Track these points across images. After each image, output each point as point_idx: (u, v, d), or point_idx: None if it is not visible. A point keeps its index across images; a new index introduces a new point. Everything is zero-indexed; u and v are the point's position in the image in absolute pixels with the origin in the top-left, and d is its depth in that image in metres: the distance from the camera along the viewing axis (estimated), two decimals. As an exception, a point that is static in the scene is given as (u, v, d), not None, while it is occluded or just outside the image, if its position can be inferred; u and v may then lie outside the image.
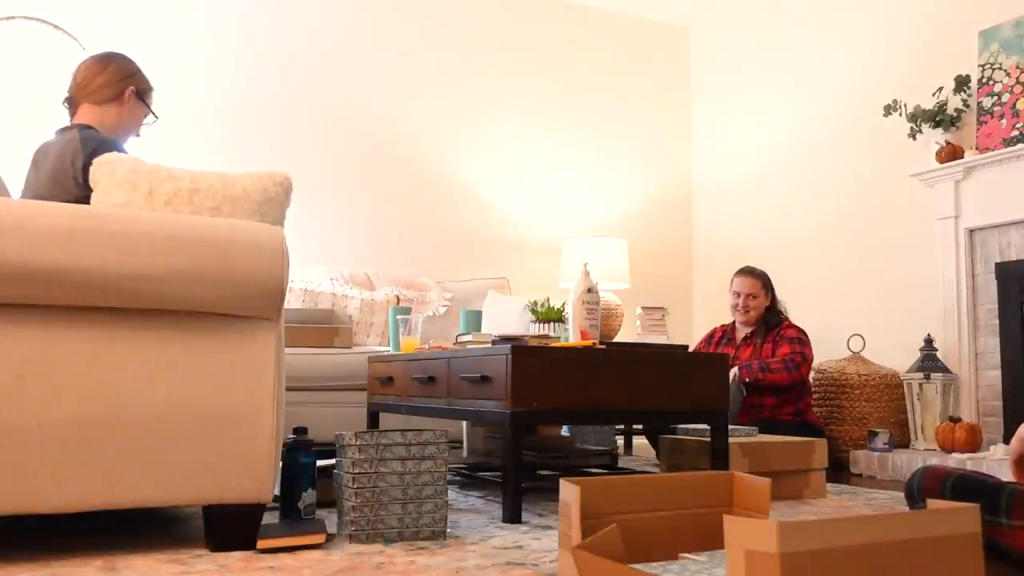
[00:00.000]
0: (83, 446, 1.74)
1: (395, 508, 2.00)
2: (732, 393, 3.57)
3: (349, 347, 3.79)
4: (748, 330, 4.00)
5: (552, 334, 2.84)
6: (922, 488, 1.64)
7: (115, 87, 2.44)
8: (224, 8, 4.57)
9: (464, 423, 3.59)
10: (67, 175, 2.22)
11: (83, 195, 2.22)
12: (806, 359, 3.76)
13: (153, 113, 2.54)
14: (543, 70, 5.33)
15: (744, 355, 3.92)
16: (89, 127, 2.36)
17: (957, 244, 3.93)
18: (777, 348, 3.84)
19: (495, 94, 5.19)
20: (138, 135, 2.56)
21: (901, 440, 3.96)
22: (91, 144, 2.24)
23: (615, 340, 4.54)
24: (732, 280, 4.05)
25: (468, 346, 2.72)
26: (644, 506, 1.52)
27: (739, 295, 3.98)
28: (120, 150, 2.30)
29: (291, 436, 2.23)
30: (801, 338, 3.84)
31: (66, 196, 2.22)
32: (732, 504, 1.60)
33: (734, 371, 3.76)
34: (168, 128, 4.32)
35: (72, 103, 2.45)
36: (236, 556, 1.81)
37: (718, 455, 2.63)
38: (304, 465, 2.20)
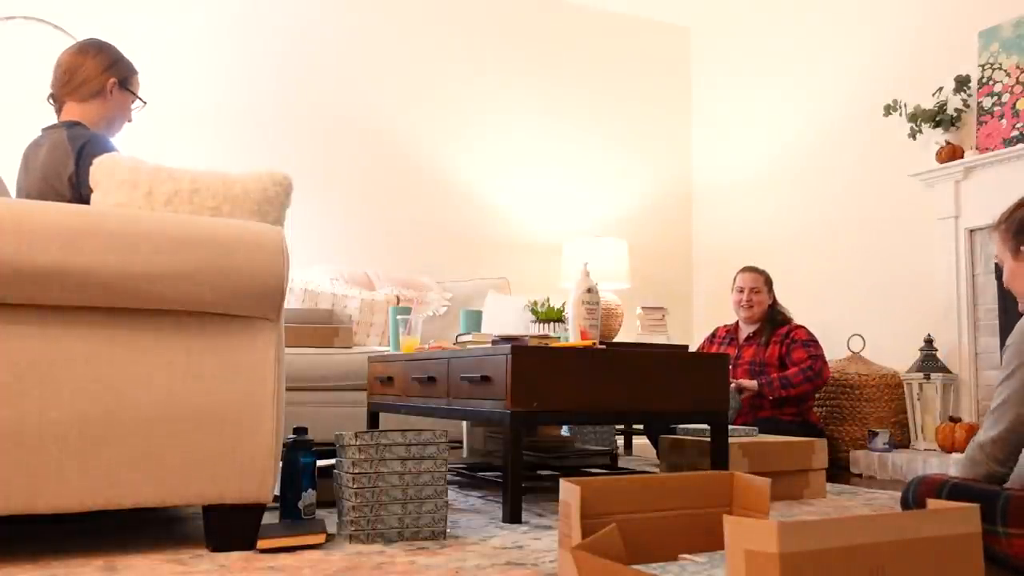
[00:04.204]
0: (83, 446, 1.74)
1: (395, 508, 2.00)
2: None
3: (349, 347, 3.79)
4: (752, 328, 3.99)
5: (552, 334, 2.84)
6: (918, 498, 1.64)
7: (96, 82, 2.39)
8: (224, 8, 4.57)
9: (464, 423, 3.59)
10: (58, 174, 2.21)
11: (74, 194, 2.20)
12: (824, 362, 3.72)
13: (140, 99, 2.49)
14: (543, 70, 5.33)
15: (747, 355, 3.91)
16: (77, 124, 2.34)
17: (957, 244, 3.93)
18: (791, 352, 3.79)
19: (495, 94, 5.19)
20: (130, 120, 2.52)
21: (901, 440, 3.96)
22: (79, 141, 2.23)
23: (615, 340, 4.54)
24: (735, 278, 4.05)
25: (468, 346, 2.72)
26: (644, 506, 1.52)
27: (743, 290, 3.97)
28: (109, 146, 2.28)
29: (291, 436, 2.23)
30: (813, 340, 3.81)
31: (56, 196, 2.21)
32: (732, 504, 1.60)
33: (744, 383, 3.74)
34: (168, 128, 4.32)
35: (56, 100, 2.41)
36: (236, 556, 1.81)
37: (718, 455, 2.63)
38: (304, 465, 2.20)
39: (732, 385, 3.69)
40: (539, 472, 3.14)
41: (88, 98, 2.39)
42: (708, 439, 2.75)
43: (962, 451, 3.55)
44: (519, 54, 5.27)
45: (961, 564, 1.10)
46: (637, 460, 4.11)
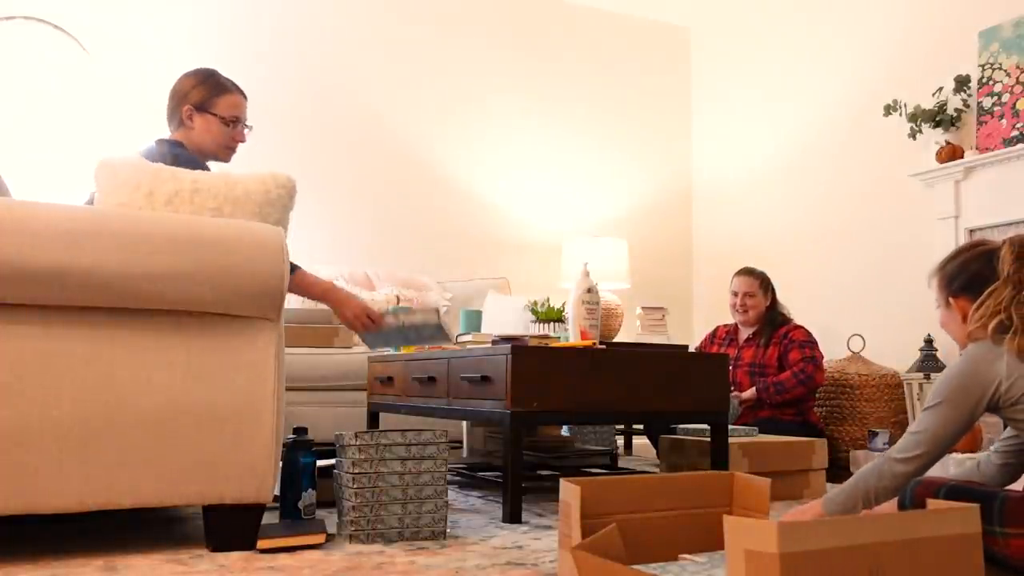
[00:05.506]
0: (83, 446, 1.74)
1: (395, 508, 2.00)
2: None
3: (349, 347, 3.79)
4: (750, 330, 3.98)
5: (552, 334, 2.84)
6: (915, 499, 1.64)
7: (176, 114, 2.47)
8: (225, 8, 4.56)
9: (464, 423, 3.59)
10: None
11: None
12: (818, 365, 3.72)
13: (223, 119, 2.47)
14: (543, 70, 5.33)
15: (746, 356, 3.90)
16: (179, 144, 2.41)
17: (957, 244, 3.93)
18: (787, 352, 3.79)
19: (495, 94, 5.19)
20: (243, 140, 2.53)
21: (901, 440, 3.96)
22: (172, 159, 2.26)
23: (615, 340, 4.53)
24: (732, 280, 4.05)
25: (468, 346, 2.72)
26: (644, 506, 1.52)
27: (737, 295, 3.97)
28: (199, 166, 2.31)
29: (291, 436, 2.23)
30: (810, 341, 3.79)
31: None
32: (732, 504, 1.60)
33: (744, 395, 3.73)
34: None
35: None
36: (236, 556, 1.81)
37: (718, 455, 2.63)
38: (304, 465, 2.21)
39: (735, 401, 3.68)
40: (539, 472, 3.14)
41: (178, 128, 2.48)
42: (708, 439, 2.75)
43: (962, 452, 3.54)
44: (519, 54, 5.27)
45: (961, 564, 1.10)
46: (637, 460, 4.11)
